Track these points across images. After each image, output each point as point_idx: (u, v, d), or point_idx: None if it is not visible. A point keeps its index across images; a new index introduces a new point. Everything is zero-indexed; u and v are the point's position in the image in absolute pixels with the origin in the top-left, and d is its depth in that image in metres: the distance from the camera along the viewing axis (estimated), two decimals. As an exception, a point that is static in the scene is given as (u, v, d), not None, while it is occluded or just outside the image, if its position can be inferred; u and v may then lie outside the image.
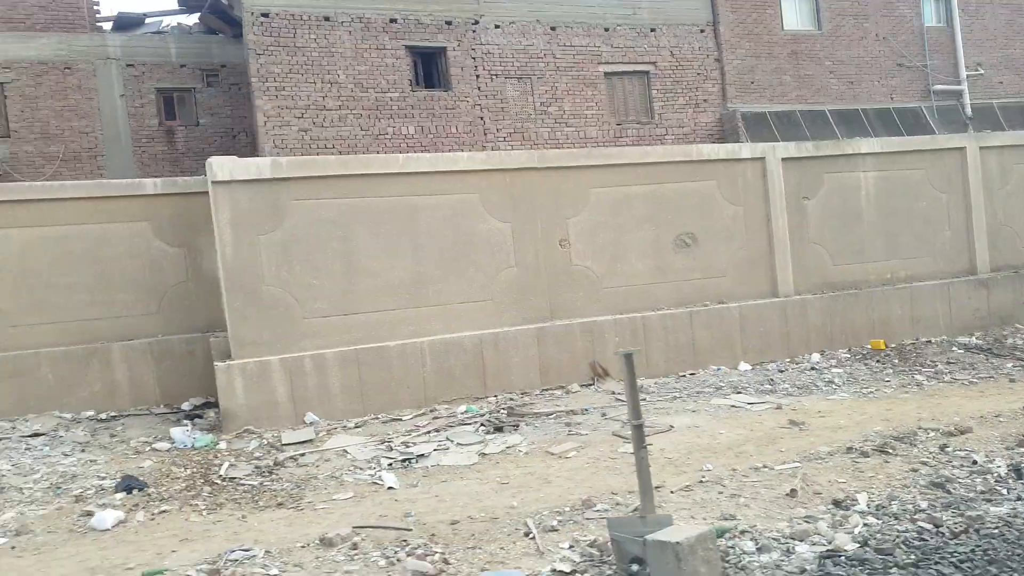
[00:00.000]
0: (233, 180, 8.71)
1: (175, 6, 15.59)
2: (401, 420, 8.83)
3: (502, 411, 8.89)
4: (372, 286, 9.33)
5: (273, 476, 7.03)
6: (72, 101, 13.70)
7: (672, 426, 7.81)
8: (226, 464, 7.38)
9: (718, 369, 10.73)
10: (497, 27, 13.91)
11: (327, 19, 12.84)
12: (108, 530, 5.88)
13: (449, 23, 13.63)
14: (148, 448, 8.11)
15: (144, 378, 10.03)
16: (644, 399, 9.19)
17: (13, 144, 13.22)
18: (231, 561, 4.99)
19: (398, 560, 4.87)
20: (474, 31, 13.85)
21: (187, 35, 15.18)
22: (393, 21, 13.27)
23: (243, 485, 6.80)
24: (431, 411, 9.13)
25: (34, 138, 13.42)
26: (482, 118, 13.87)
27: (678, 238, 11.11)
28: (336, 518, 5.84)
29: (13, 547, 5.65)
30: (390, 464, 7.11)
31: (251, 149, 14.29)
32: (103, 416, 9.48)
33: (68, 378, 9.70)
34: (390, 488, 6.47)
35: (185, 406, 9.88)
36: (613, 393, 9.66)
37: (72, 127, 13.68)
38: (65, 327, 9.91)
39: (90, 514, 6.22)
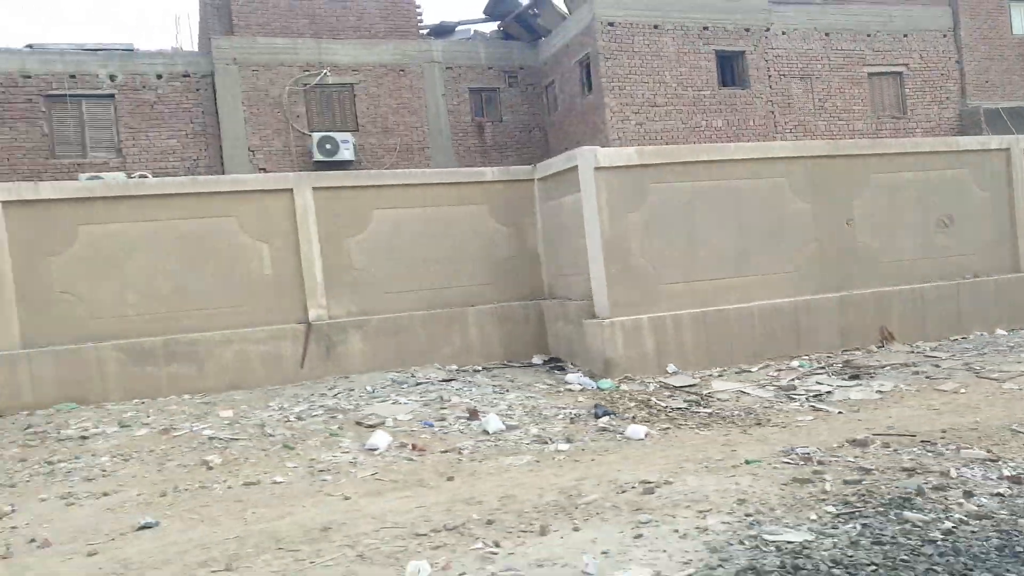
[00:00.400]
0: (610, 166, 10.20)
1: (479, 15, 17.27)
2: (750, 371, 10.28)
3: (834, 365, 10.29)
4: (708, 257, 10.78)
5: (711, 407, 8.51)
6: (405, 99, 15.37)
7: (1025, 371, 9.15)
8: (653, 399, 8.88)
9: (980, 334, 12.03)
10: (784, 33, 15.47)
11: (656, 27, 14.42)
12: (642, 439, 7.39)
13: (747, 30, 15.18)
14: (563, 389, 9.64)
15: (491, 338, 11.60)
16: (953, 355, 10.55)
17: (360, 137, 14.91)
18: (806, 452, 6.45)
19: (945, 450, 6.29)
20: (766, 37, 15.42)
21: (494, 41, 16.80)
22: (706, 29, 14.85)
23: (697, 413, 8.29)
24: (765, 366, 10.56)
25: (376, 131, 15.10)
26: (772, 112, 15.40)
27: (939, 219, 12.42)
28: (825, 432, 7.28)
29: (582, 450, 7.18)
30: (805, 398, 8.55)
31: (544, 143, 15.94)
32: (478, 368, 11.06)
33: (435, 337, 11.29)
34: (839, 412, 7.91)
35: (536, 360, 11.42)
36: (911, 352, 11.02)
37: (405, 122, 15.36)
38: (423, 294, 11.49)
39: (605, 429, 7.76)
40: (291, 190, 10.84)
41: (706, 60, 15.04)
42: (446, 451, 7.39)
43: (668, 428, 7.75)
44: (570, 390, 9.58)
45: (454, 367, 11.16)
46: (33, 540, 5.66)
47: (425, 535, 5.27)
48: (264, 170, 14.42)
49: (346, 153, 14.30)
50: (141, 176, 11.76)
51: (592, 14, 14.32)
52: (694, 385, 9.60)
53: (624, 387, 9.59)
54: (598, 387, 9.59)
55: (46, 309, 9.88)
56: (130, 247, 10.18)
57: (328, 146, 14.15)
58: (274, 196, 10.81)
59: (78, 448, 7.96)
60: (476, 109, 16.26)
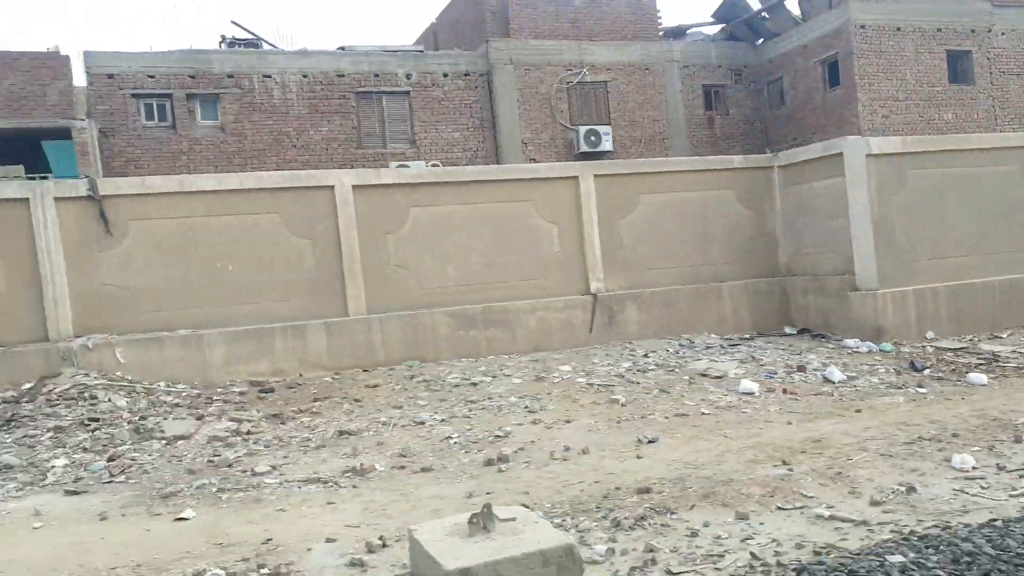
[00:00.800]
0: (879, 153, 11.47)
1: (707, 18, 18.72)
2: (1001, 337, 11.51)
3: (1075, 332, 11.49)
4: (954, 236, 12.00)
5: (1011, 363, 9.75)
6: (648, 95, 16.78)
7: None
8: (945, 357, 10.14)
9: None
10: (1003, 34, 16.82)
11: (898, 29, 15.83)
12: (985, 384, 8.67)
13: (973, 31, 16.56)
14: (850, 351, 10.90)
15: (742, 311, 12.87)
16: None
17: (612, 129, 16.33)
18: None
19: None
20: (988, 37, 16.74)
21: (722, 42, 18.22)
22: (939, 30, 16.23)
23: (1003, 367, 9.55)
24: (1011, 333, 11.76)
25: (624, 124, 16.54)
26: (993, 107, 16.72)
27: None
28: None
29: (940, 392, 8.46)
30: (1092, 356, 9.78)
31: (763, 134, 17.35)
32: (745, 336, 12.36)
33: (696, 309, 12.59)
34: None
35: (788, 330, 12.68)
36: None
37: (648, 116, 16.78)
38: (679, 271, 12.77)
39: (942, 378, 9.04)
40: (576, 177, 12.18)
41: (938, 59, 16.40)
42: (817, 394, 8.70)
43: (995, 377, 9.01)
44: (857, 352, 10.85)
45: (715, 336, 12.45)
46: (568, 448, 7.03)
47: (914, 442, 6.58)
48: (534, 160, 15.82)
49: (606, 144, 15.71)
50: (434, 165, 13.13)
51: (847, 17, 15.73)
52: (964, 348, 10.84)
53: (908, 349, 10.86)
54: (880, 349, 10.85)
55: (383, 280, 11.27)
56: (450, 227, 11.55)
57: (593, 138, 15.59)
58: (562, 183, 12.16)
59: (477, 392, 9.35)
60: (706, 104, 17.66)
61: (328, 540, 5.16)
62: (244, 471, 7.00)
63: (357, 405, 9.03)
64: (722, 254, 13.03)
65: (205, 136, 14.46)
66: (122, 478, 7.00)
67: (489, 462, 6.80)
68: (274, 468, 7.01)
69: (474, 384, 9.68)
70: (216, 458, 7.45)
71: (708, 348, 11.38)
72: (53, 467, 7.33)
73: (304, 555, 4.96)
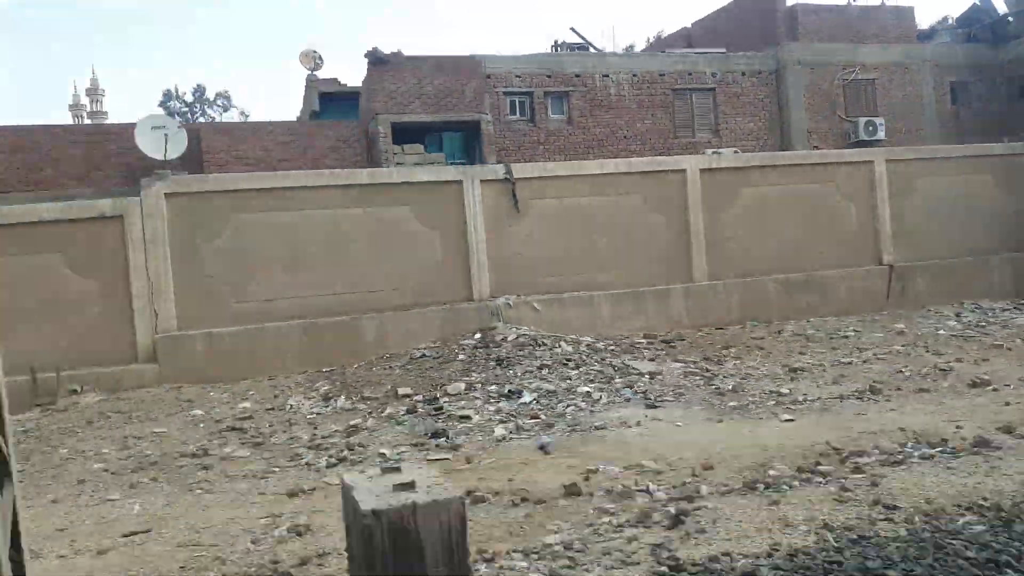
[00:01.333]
0: None
1: (949, 22, 20.46)
2: None
3: None
4: None
5: None
6: (907, 91, 18.48)
7: None
8: None
9: None
10: None
11: None
12: None
13: None
14: None
15: (1004, 280, 14.45)
16: None
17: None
18: None
19: None
20: None
21: (964, 45, 19.87)
22: None
23: None
24: None
25: (888, 117, 18.22)
26: None
27: None
28: None
29: None
30: None
31: (996, 127, 19.04)
32: (1010, 302, 13.92)
33: (968, 279, 14.17)
34: None
35: (1048, 298, 14.26)
36: None
37: (905, 109, 18.48)
38: (952, 245, 14.32)
39: None
40: (872, 162, 13.81)
41: None
42: None
43: None
44: None
45: (986, 302, 14.04)
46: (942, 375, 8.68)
47: None
48: (816, 147, 17.51)
49: (881, 134, 17.45)
50: (734, 152, 14.83)
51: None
52: None
53: None
54: None
55: (718, 250, 12.95)
56: (769, 204, 13.22)
57: (871, 128, 17.36)
58: (858, 167, 13.80)
59: (850, 343, 11.04)
60: (952, 99, 19.30)
61: (957, 428, 6.83)
62: (762, 392, 8.70)
63: (764, 352, 10.73)
64: (983, 230, 14.60)
65: (556, 129, 16.31)
66: (670, 397, 8.75)
67: (973, 384, 8.46)
68: (790, 392, 8.71)
69: (845, 337, 11.38)
70: (712, 387, 9.15)
71: (1004, 310, 12.99)
72: (587, 392, 9.08)
73: (954, 435, 6.61)
